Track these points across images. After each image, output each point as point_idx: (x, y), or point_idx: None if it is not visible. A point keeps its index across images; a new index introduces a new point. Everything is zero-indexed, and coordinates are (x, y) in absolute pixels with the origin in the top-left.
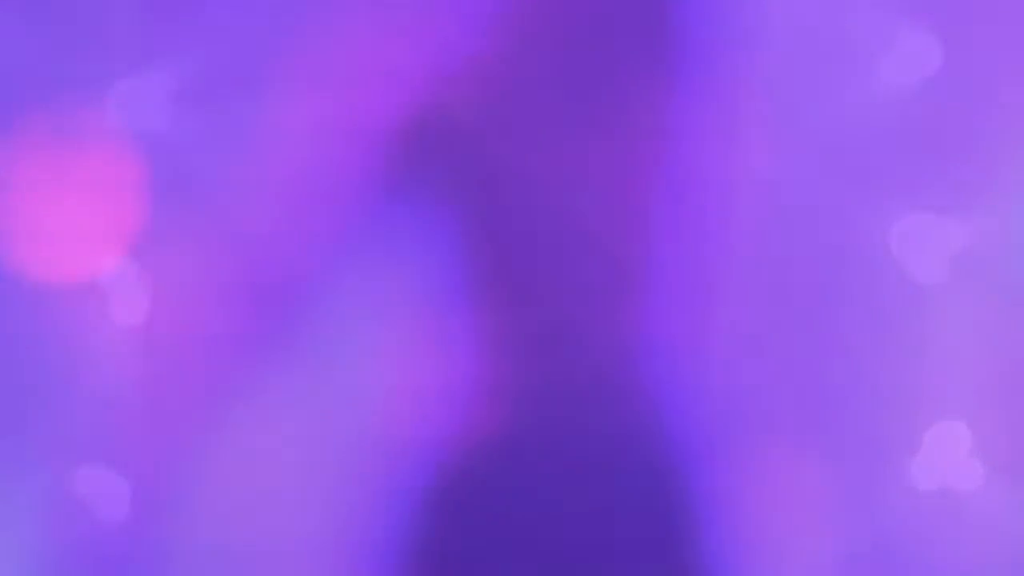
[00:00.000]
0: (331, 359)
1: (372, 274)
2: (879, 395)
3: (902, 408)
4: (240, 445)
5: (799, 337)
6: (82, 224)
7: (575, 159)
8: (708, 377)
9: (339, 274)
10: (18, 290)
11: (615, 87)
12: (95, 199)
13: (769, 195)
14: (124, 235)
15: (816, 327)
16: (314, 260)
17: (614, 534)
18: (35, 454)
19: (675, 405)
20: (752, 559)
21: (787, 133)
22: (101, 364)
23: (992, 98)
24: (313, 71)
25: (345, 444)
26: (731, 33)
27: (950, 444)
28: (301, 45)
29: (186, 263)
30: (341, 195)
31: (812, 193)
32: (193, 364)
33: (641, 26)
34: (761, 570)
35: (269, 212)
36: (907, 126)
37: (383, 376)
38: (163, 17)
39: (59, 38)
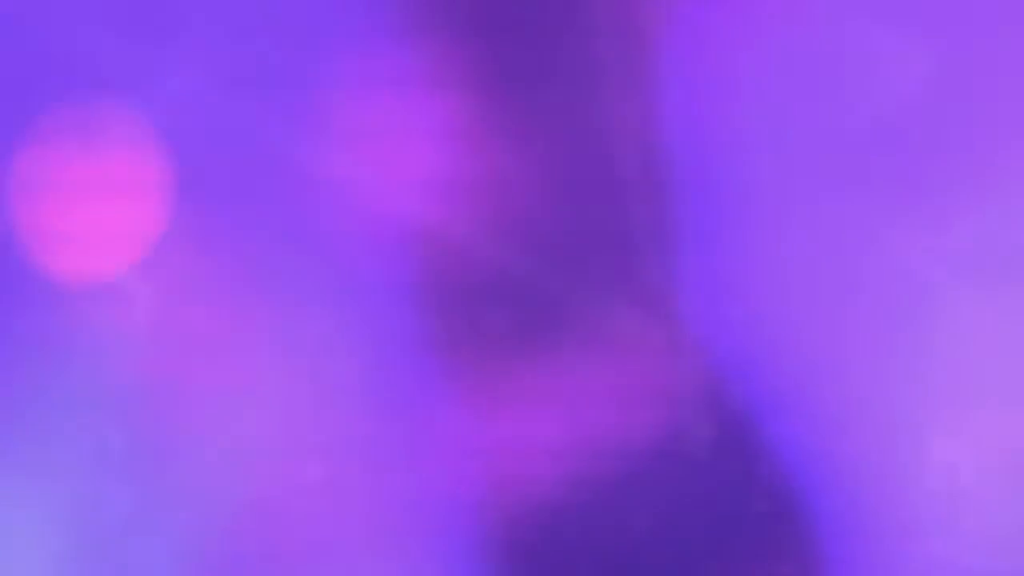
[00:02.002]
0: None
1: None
2: (882, 393)
3: (902, 408)
4: (251, 447)
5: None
6: (103, 224)
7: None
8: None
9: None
10: (40, 289)
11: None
12: (117, 199)
13: (770, 199)
14: (145, 236)
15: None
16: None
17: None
18: (50, 454)
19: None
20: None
21: (787, 138)
22: (117, 363)
23: (991, 101)
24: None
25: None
26: (730, 39)
27: (952, 443)
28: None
29: (200, 265)
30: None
31: (815, 195)
32: (205, 365)
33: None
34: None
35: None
36: (907, 129)
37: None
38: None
39: (80, 38)
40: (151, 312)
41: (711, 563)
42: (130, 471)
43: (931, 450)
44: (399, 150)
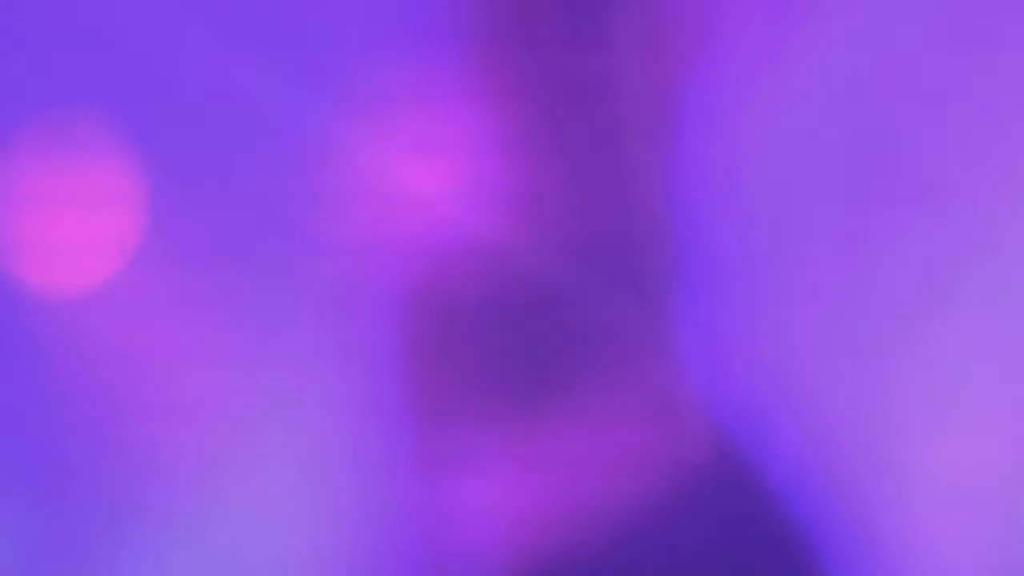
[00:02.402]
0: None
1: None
2: (881, 408)
3: (900, 423)
4: (237, 461)
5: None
6: (81, 236)
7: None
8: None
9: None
10: (18, 300)
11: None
12: (94, 211)
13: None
14: (122, 247)
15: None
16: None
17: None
18: (32, 461)
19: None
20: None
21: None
22: (99, 373)
23: (992, 98)
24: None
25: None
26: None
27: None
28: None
29: (183, 275)
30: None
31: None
32: (193, 376)
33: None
34: None
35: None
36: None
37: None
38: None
39: (58, 50)
40: (134, 322)
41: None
42: (108, 477)
43: (928, 465)
44: (424, 157)
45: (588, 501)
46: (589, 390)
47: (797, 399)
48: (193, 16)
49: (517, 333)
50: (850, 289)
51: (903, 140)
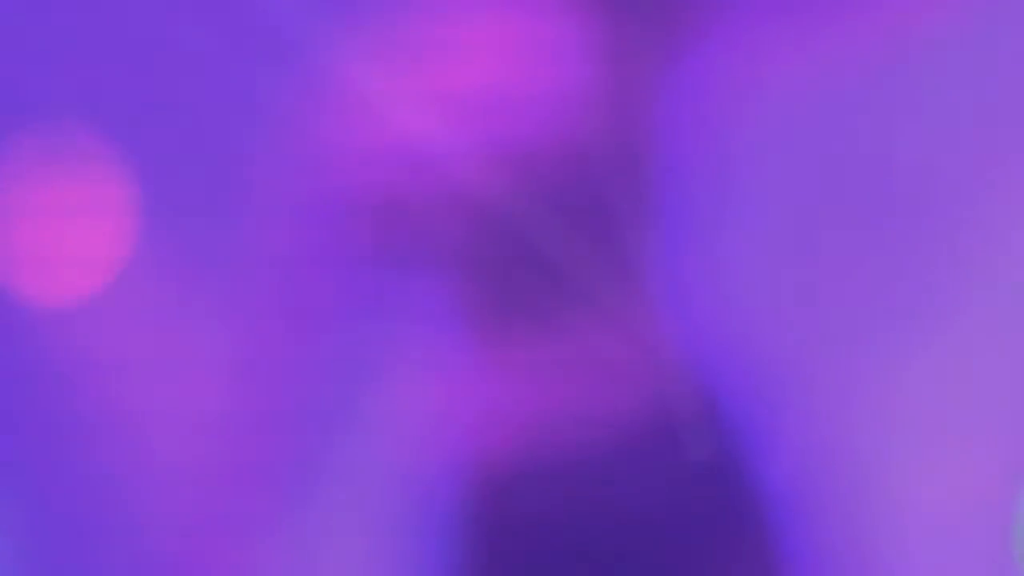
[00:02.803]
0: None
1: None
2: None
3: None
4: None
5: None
6: (72, 247)
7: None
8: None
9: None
10: (10, 312)
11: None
12: (85, 223)
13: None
14: (113, 258)
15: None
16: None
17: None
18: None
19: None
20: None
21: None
22: (89, 384)
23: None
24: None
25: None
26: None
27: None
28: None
29: (179, 285)
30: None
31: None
32: (188, 385)
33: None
34: None
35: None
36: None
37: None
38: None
39: (52, 61)
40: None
41: (689, 533)
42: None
43: (922, 477)
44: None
45: (556, 411)
46: (557, 308)
47: (794, 396)
48: None
49: (487, 251)
50: (849, 291)
51: (906, 139)
